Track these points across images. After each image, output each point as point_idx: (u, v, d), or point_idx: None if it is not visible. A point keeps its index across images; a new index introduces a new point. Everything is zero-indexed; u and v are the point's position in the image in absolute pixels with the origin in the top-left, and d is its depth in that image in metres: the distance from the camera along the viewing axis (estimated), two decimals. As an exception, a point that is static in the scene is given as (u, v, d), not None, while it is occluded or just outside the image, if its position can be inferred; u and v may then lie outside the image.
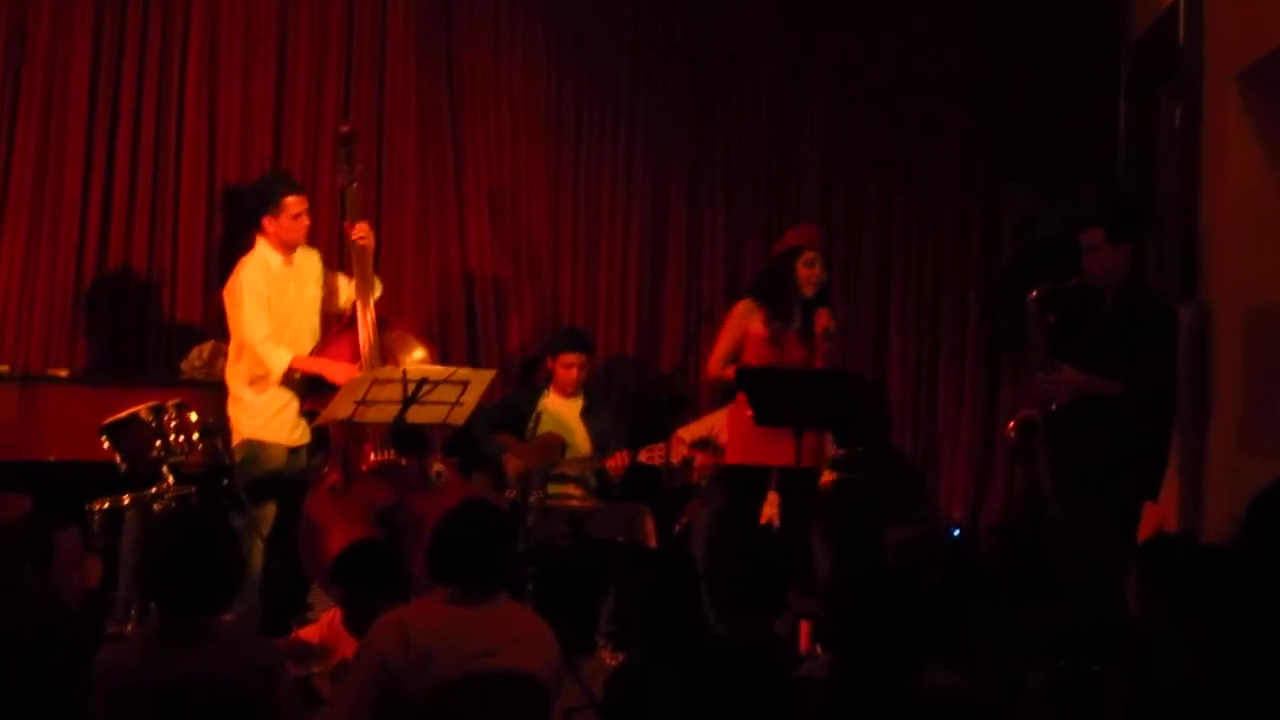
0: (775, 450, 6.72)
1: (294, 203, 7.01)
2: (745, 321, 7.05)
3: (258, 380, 6.96)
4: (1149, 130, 7.61)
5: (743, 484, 6.99)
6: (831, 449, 7.37)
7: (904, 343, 8.50)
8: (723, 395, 7.54)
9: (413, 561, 5.35)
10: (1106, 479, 6.13)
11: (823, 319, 6.92)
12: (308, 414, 6.97)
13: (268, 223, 7.02)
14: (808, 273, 6.98)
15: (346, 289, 7.19)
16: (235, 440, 6.93)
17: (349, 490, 6.89)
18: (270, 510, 6.97)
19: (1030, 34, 8.41)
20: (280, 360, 6.91)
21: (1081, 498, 6.18)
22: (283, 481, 7.02)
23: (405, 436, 6.80)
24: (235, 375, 7.04)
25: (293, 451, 7.07)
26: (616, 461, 7.57)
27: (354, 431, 6.83)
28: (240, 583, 4.33)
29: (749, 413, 6.74)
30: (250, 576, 6.79)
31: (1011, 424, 6.64)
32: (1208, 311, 6.71)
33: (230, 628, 4.09)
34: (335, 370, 6.88)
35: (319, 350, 7.03)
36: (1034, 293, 6.41)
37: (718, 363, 7.06)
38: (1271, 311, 6.43)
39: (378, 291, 7.17)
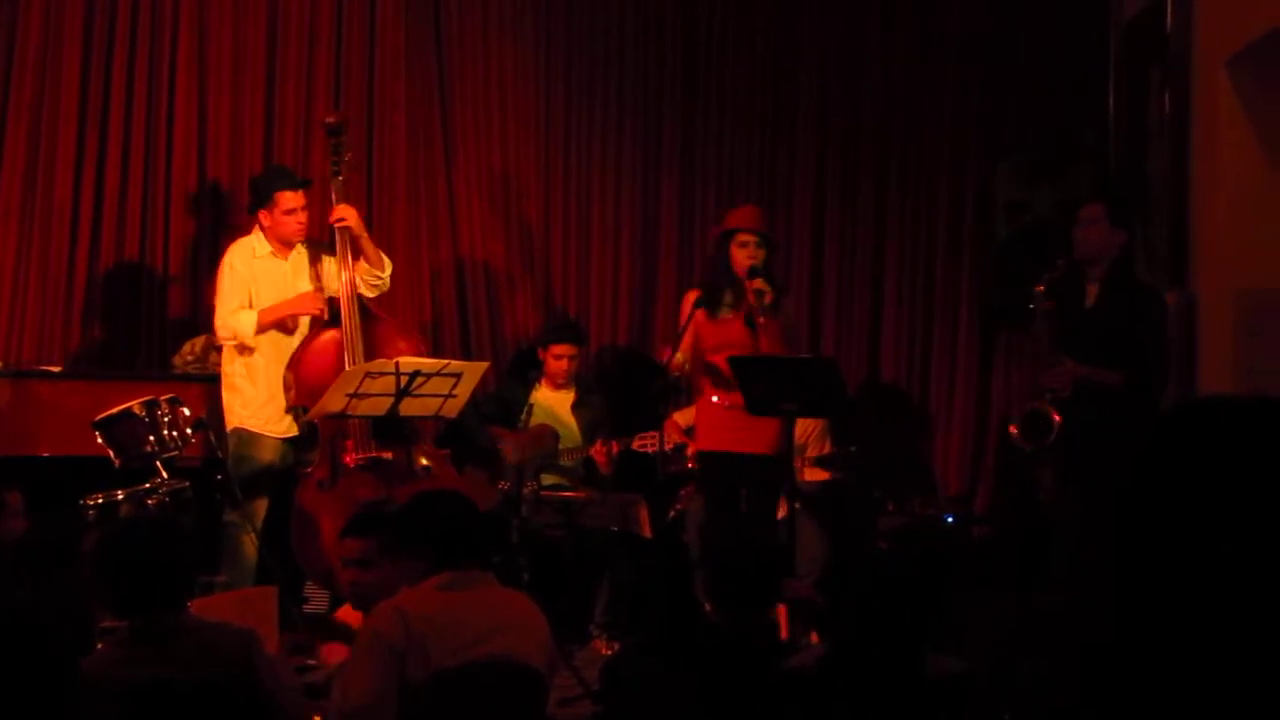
0: (745, 438, 6.69)
1: (287, 198, 6.97)
2: (695, 309, 6.92)
3: (246, 351, 6.95)
4: (1139, 116, 7.61)
5: (715, 471, 6.92)
6: (813, 444, 7.37)
7: (898, 324, 8.49)
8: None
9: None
10: (1108, 464, 6.10)
11: (755, 285, 6.72)
12: (301, 409, 6.95)
13: (263, 216, 7.03)
14: (741, 254, 6.84)
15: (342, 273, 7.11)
16: (228, 428, 6.93)
17: (335, 485, 6.85)
18: (262, 505, 6.94)
19: (1021, 16, 8.42)
20: (247, 322, 6.90)
21: (1081, 483, 6.16)
22: (274, 475, 7.01)
23: (389, 430, 6.76)
24: (228, 360, 7.04)
25: (283, 443, 7.06)
26: (600, 449, 7.55)
27: (339, 426, 6.81)
28: (194, 572, 4.31)
29: (714, 399, 6.77)
30: (245, 570, 6.80)
31: (1014, 427, 6.44)
32: (1195, 299, 6.72)
33: (197, 618, 4.06)
34: (298, 305, 6.94)
35: (304, 346, 6.96)
36: (1040, 286, 6.38)
37: (680, 354, 6.91)
38: (1261, 296, 6.44)
39: (388, 269, 7.13)
